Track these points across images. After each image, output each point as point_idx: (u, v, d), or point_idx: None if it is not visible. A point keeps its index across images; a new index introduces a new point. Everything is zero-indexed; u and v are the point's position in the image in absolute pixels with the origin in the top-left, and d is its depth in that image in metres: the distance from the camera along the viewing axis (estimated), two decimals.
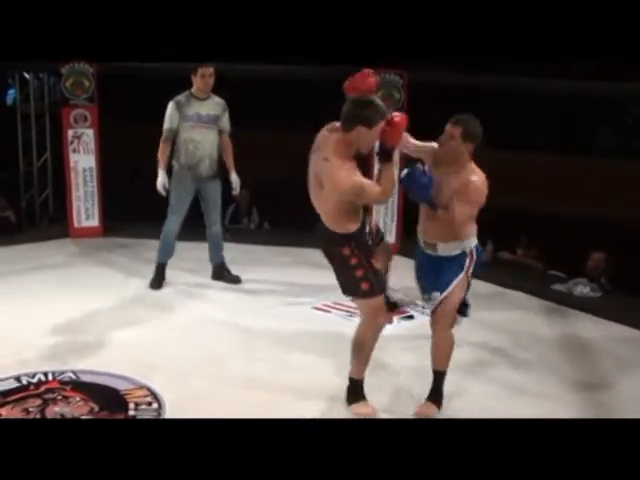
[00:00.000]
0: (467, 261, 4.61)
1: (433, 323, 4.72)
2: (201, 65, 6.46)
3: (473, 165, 4.53)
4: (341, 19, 4.13)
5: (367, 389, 4.75)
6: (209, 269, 7.09)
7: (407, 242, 7.63)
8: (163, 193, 6.54)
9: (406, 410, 4.74)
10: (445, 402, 4.80)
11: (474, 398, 4.96)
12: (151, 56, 4.44)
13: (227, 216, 9.94)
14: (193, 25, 4.18)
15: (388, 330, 5.90)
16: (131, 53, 4.37)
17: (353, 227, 4.39)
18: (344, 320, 6.17)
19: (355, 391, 4.71)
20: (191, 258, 7.31)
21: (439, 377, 4.76)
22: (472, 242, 4.64)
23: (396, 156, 4.31)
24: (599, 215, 9.06)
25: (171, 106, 6.52)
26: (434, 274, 4.67)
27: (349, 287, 4.54)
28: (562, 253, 8.02)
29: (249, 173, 10.39)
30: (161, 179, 6.50)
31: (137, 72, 8.29)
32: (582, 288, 7.06)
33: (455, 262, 4.61)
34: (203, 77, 6.49)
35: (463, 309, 4.84)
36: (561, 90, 7.81)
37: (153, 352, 5.44)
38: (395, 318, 6.25)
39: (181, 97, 6.54)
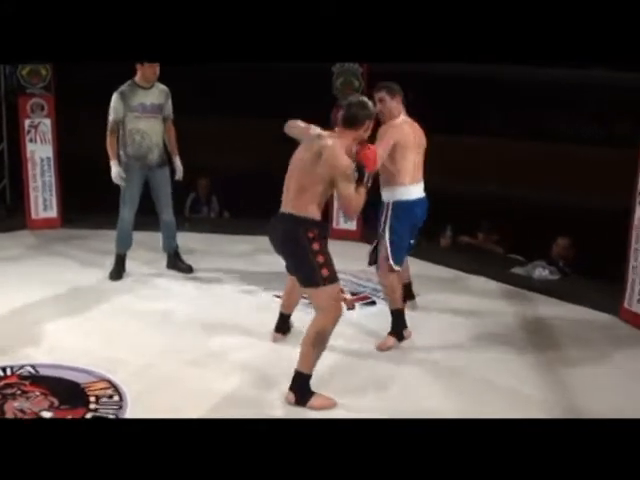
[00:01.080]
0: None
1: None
2: None
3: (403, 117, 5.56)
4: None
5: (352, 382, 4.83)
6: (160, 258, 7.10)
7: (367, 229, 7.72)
8: (121, 183, 6.51)
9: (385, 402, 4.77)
10: (410, 388, 4.85)
11: (437, 382, 5.00)
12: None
13: (187, 205, 9.91)
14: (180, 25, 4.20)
15: (349, 317, 6.00)
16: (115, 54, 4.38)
17: (319, 215, 4.66)
18: (307, 307, 6.17)
19: (305, 388, 4.64)
20: (152, 248, 7.26)
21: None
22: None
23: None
24: (558, 200, 9.15)
25: (115, 97, 6.47)
26: None
27: (310, 275, 4.61)
28: (523, 237, 8.10)
29: (208, 162, 10.43)
30: (115, 170, 6.47)
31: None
32: (541, 271, 7.13)
33: None
34: (151, 66, 6.46)
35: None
36: (522, 76, 7.85)
37: (114, 344, 5.41)
38: (357, 304, 6.28)
39: (125, 87, 6.49)
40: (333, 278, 4.61)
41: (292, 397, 4.64)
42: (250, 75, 8.99)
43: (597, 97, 9.01)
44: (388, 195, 5.53)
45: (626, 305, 6.18)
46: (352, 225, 7.84)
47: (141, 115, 6.52)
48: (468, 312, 6.27)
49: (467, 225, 8.41)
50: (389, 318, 5.63)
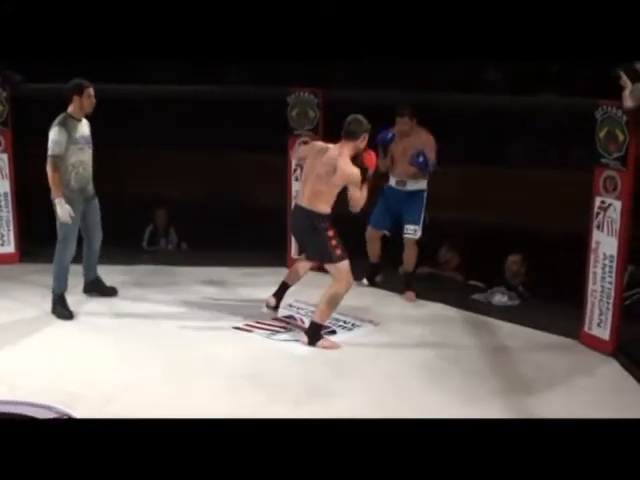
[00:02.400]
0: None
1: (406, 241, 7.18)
2: (87, 85, 6.43)
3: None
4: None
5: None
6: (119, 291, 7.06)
7: None
8: (70, 221, 6.40)
9: None
10: (369, 414, 4.82)
11: (399, 411, 4.97)
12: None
13: (144, 237, 9.83)
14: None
15: (309, 347, 5.98)
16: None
17: (330, 210, 6.05)
18: (266, 339, 6.15)
19: (317, 333, 6.05)
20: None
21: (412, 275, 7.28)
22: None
23: None
24: (516, 224, 9.19)
25: (58, 130, 6.35)
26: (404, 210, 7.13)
27: (326, 254, 6.02)
28: (482, 263, 8.11)
29: (166, 192, 10.37)
30: (66, 208, 6.35)
31: (53, 95, 8.11)
32: (500, 297, 7.15)
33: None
34: (90, 97, 6.44)
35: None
36: (474, 103, 7.94)
37: (74, 378, 5.33)
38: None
39: (63, 120, 6.40)
40: (344, 256, 6.00)
41: (305, 338, 6.03)
42: (204, 105, 8.96)
43: (554, 123, 9.11)
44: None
45: (586, 329, 6.21)
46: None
47: (83, 146, 6.50)
48: (428, 339, 6.27)
49: (427, 253, 8.42)
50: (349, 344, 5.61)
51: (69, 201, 6.41)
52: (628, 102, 5.66)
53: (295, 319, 6.52)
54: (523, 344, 6.23)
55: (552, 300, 7.20)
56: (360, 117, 6.07)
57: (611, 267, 6.00)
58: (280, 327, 6.37)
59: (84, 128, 6.54)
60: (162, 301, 6.95)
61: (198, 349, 5.93)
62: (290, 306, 6.77)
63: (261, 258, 8.07)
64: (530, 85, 11.82)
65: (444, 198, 9.46)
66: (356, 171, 5.93)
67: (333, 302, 6.05)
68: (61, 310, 6.55)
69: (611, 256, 5.98)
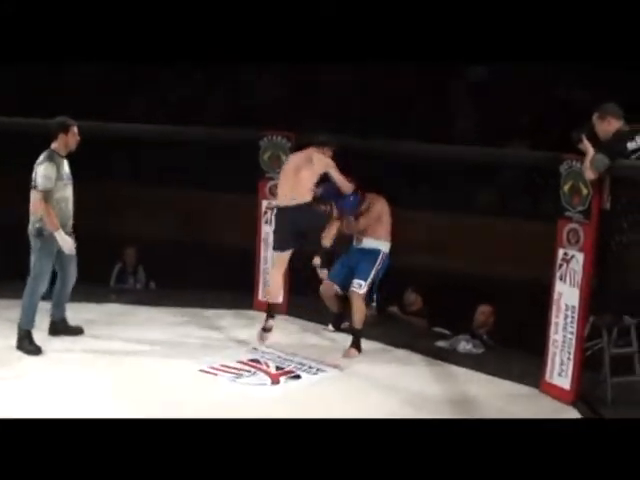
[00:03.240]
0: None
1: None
2: (71, 123, 6.51)
3: None
4: None
5: None
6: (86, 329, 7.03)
7: (295, 299, 7.74)
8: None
9: None
10: None
11: None
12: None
13: (113, 275, 9.83)
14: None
15: (274, 391, 6.00)
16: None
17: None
18: (230, 382, 6.16)
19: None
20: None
21: (357, 333, 6.98)
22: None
23: None
24: (481, 272, 9.29)
25: (49, 166, 6.42)
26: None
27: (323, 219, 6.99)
28: (448, 310, 8.19)
29: (135, 231, 10.39)
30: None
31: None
32: (465, 345, 7.21)
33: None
34: (74, 135, 6.52)
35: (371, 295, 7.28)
36: (444, 153, 8.06)
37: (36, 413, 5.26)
38: (282, 378, 6.28)
39: (50, 156, 6.46)
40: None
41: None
42: (176, 145, 9.02)
43: (522, 174, 9.28)
44: None
45: (547, 378, 6.27)
46: (278, 298, 7.82)
47: (67, 182, 6.57)
48: (391, 386, 6.29)
49: (394, 296, 8.49)
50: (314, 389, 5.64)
51: (50, 236, 6.41)
52: (589, 173, 5.80)
53: (260, 363, 6.53)
54: (486, 392, 6.27)
55: (516, 349, 7.27)
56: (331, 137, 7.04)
57: (573, 317, 6.08)
58: (245, 371, 6.38)
59: (66, 165, 6.60)
60: (128, 340, 6.94)
61: (161, 392, 5.91)
62: (255, 349, 6.79)
63: (228, 300, 8.09)
64: (500, 136, 12.01)
65: (412, 243, 9.60)
66: (328, 160, 6.87)
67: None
68: (28, 346, 6.51)
69: (573, 307, 6.07)
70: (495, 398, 6.17)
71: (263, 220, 7.81)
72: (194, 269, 8.88)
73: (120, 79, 16.39)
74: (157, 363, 6.48)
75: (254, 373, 6.35)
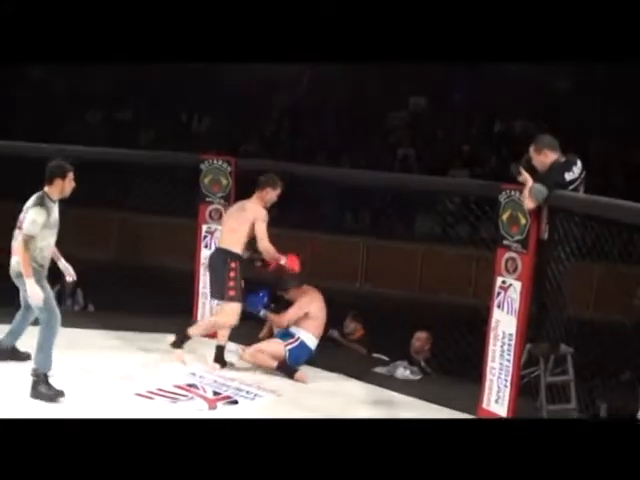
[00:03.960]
0: None
1: None
2: (69, 169, 6.17)
3: None
4: None
5: None
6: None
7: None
8: (41, 304, 6.10)
9: None
10: None
11: None
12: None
13: None
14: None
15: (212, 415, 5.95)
16: None
17: (241, 251, 6.95)
18: (166, 407, 6.09)
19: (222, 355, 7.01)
20: None
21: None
22: None
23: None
24: (419, 298, 9.36)
25: (41, 212, 6.02)
26: None
27: (223, 291, 6.87)
28: (386, 336, 8.22)
29: (73, 254, 10.27)
30: (38, 291, 6.04)
31: None
32: (403, 371, 7.23)
33: None
34: (71, 181, 6.18)
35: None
36: (385, 181, 8.14)
37: None
38: (219, 404, 6.23)
39: (42, 201, 6.07)
40: (236, 298, 6.86)
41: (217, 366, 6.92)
42: (116, 167, 8.95)
43: (461, 202, 9.40)
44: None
45: (484, 405, 6.32)
46: None
47: (53, 231, 6.22)
48: (327, 412, 6.22)
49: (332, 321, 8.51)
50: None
51: (35, 273, 6.09)
52: (528, 203, 5.90)
53: (197, 388, 6.48)
54: (421, 418, 6.29)
55: (454, 376, 7.32)
56: (273, 175, 7.13)
57: (510, 345, 6.14)
58: (182, 395, 6.32)
59: (56, 210, 6.23)
60: (65, 363, 6.81)
61: (97, 414, 5.82)
62: (193, 375, 6.74)
63: (167, 323, 8.01)
64: (442, 163, 12.18)
65: (352, 269, 9.65)
66: (263, 212, 6.95)
67: (210, 328, 7.12)
68: (47, 391, 6.08)
69: (510, 334, 6.13)
70: (431, 424, 6.18)
71: (203, 244, 7.78)
72: (133, 292, 8.80)
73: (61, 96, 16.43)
74: (93, 386, 6.39)
75: (191, 398, 6.30)
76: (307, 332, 7.09)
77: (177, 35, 4.78)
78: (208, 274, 7.23)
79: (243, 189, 7.59)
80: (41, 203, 6.09)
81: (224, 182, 7.73)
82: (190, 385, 6.53)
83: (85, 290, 9.85)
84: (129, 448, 3.19)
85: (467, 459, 3.39)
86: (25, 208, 6.18)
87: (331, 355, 7.66)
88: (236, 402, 6.30)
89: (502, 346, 6.19)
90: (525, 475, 3.34)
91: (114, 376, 6.64)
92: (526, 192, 5.90)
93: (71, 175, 6.22)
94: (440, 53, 4.82)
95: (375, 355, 8.04)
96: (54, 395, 6.07)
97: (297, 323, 7.11)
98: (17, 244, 6.16)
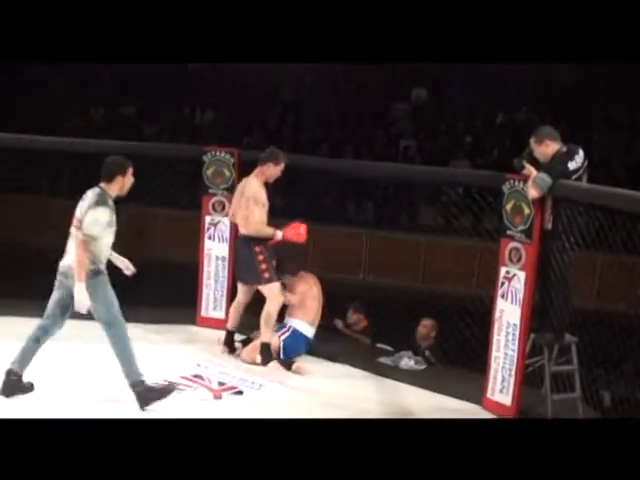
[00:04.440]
0: None
1: None
2: (130, 165, 5.88)
3: None
4: None
5: None
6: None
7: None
8: (85, 312, 5.75)
9: None
10: None
11: None
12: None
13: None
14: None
15: (217, 405, 5.97)
16: None
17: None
18: (173, 396, 6.09)
19: (267, 353, 6.81)
20: None
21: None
22: None
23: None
24: (424, 289, 9.37)
25: (105, 211, 5.70)
26: None
27: (256, 276, 6.86)
28: (391, 326, 8.24)
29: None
30: (87, 298, 5.68)
31: None
32: (407, 361, 7.24)
33: None
34: (130, 178, 5.90)
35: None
36: (388, 171, 8.13)
37: None
38: (224, 394, 6.25)
39: (106, 200, 5.74)
40: (273, 278, 6.85)
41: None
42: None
43: (466, 192, 9.41)
44: None
45: (489, 394, 6.33)
46: (221, 313, 7.81)
47: (114, 229, 5.88)
48: (332, 402, 6.29)
49: (335, 312, 8.52)
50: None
51: (103, 280, 5.84)
52: (532, 192, 5.90)
53: (203, 378, 6.49)
54: (427, 407, 6.31)
55: (458, 366, 7.33)
56: (276, 149, 7.07)
57: (514, 335, 6.15)
58: (187, 386, 6.34)
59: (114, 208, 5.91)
60: (70, 355, 6.84)
61: (104, 407, 5.83)
62: (198, 365, 6.76)
63: (170, 315, 8.04)
64: (444, 154, 12.18)
65: (357, 260, 9.65)
66: (256, 190, 6.85)
67: (269, 320, 6.82)
68: (150, 394, 5.84)
69: (514, 324, 6.14)
70: (436, 414, 6.20)
71: (206, 236, 7.79)
72: (137, 285, 8.81)
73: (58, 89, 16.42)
74: (99, 378, 6.39)
75: (196, 388, 6.31)
76: (299, 320, 7.14)
77: (177, 35, 4.79)
78: (235, 259, 7.34)
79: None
80: (104, 202, 5.73)
81: (227, 174, 7.73)
82: (195, 376, 6.54)
83: None
84: (129, 448, 3.17)
85: (480, 459, 3.36)
86: (82, 205, 5.80)
87: (335, 346, 7.68)
88: (241, 392, 6.31)
89: (506, 336, 6.21)
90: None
91: (117, 368, 6.63)
92: (530, 182, 5.91)
93: (131, 170, 5.89)
94: (441, 53, 4.82)
95: (379, 345, 8.06)
96: (164, 392, 5.88)
97: (288, 312, 7.17)
98: (75, 244, 5.76)
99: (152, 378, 6.32)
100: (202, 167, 7.78)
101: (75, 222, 5.81)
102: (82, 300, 5.67)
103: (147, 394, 5.81)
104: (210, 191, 7.78)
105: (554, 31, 4.59)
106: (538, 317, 6.22)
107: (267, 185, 7.03)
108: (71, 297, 5.74)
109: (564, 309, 6.15)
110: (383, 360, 7.37)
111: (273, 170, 6.98)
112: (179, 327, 7.79)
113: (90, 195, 5.79)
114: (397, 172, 8.25)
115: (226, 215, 7.66)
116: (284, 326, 7.11)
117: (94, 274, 5.76)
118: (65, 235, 5.89)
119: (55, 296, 5.93)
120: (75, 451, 3.17)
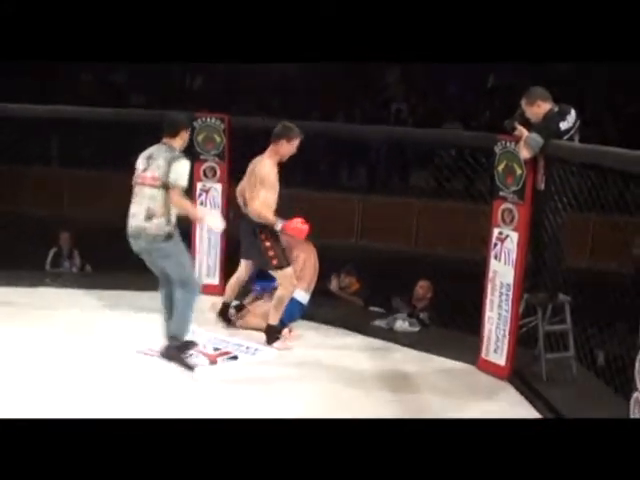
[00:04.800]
0: None
1: None
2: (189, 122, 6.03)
3: None
4: None
5: None
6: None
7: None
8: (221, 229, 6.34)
9: None
10: None
11: None
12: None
13: (48, 260, 9.73)
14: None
15: (213, 372, 6.00)
16: None
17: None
18: (169, 363, 6.13)
19: (273, 334, 6.60)
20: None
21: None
22: None
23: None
24: (418, 252, 9.39)
25: (186, 163, 5.78)
26: None
27: (253, 255, 6.62)
28: (383, 288, 8.28)
29: (70, 215, 10.28)
30: (216, 217, 6.26)
31: None
32: (401, 323, 7.28)
33: None
34: (188, 134, 6.07)
35: None
36: (379, 135, 8.10)
37: None
38: (220, 359, 6.28)
39: (180, 153, 5.86)
40: (283, 263, 6.55)
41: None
42: (111, 127, 8.91)
43: (458, 154, 9.41)
44: None
45: (483, 355, 6.37)
46: (215, 280, 7.82)
47: None
48: (327, 365, 6.34)
49: (328, 277, 8.54)
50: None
51: (178, 241, 5.91)
52: (524, 152, 5.90)
53: (198, 345, 6.51)
54: (422, 370, 6.36)
55: (452, 327, 7.37)
56: (289, 124, 6.55)
57: (507, 295, 6.18)
58: None
59: None
60: (65, 323, 6.87)
61: (101, 374, 5.87)
62: (192, 332, 6.76)
63: None
64: (436, 117, 12.16)
65: (348, 224, 9.66)
66: (267, 172, 6.39)
67: (279, 305, 6.60)
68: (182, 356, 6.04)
69: (508, 285, 6.16)
70: (431, 375, 6.26)
71: (198, 202, 7.78)
72: (130, 251, 8.81)
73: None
74: (95, 345, 6.42)
75: (192, 355, 6.32)
76: (297, 288, 7.01)
77: (176, 34, 4.76)
78: (240, 237, 6.84)
79: (238, 147, 7.56)
80: (179, 155, 5.83)
81: (218, 139, 7.71)
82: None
83: (82, 251, 9.89)
84: (129, 447, 3.17)
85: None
86: (156, 163, 5.80)
87: (329, 308, 7.71)
88: (236, 357, 6.34)
89: (500, 296, 6.23)
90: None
91: (115, 335, 6.67)
92: (522, 143, 5.90)
93: (189, 129, 6.13)
94: (441, 53, 4.80)
95: (372, 308, 8.10)
96: (188, 366, 5.99)
97: None
98: (163, 202, 5.78)
99: (148, 345, 6.38)
100: (193, 133, 7.74)
101: (149, 181, 5.82)
102: (214, 222, 6.19)
103: (176, 353, 5.97)
104: (201, 157, 7.76)
105: (553, 31, 4.56)
106: (531, 277, 6.25)
107: (281, 165, 6.59)
108: (151, 253, 5.92)
109: (557, 269, 6.17)
110: (377, 323, 7.41)
111: (287, 147, 6.52)
112: None
113: (160, 151, 5.86)
114: (389, 134, 8.23)
115: (218, 181, 7.66)
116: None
117: (169, 235, 5.82)
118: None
119: (148, 264, 6.07)
120: (73, 451, 3.16)
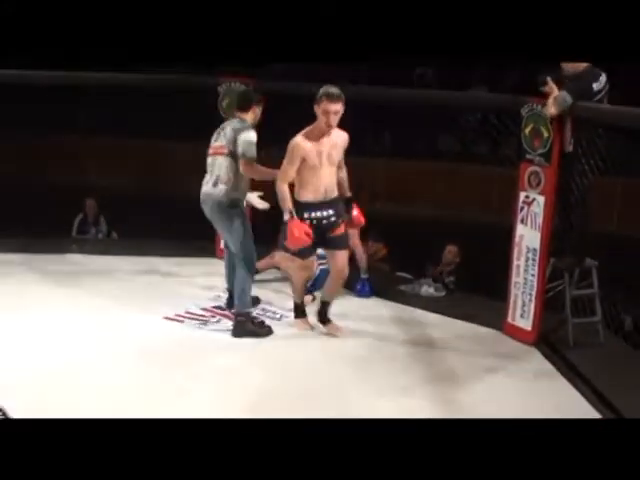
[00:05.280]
0: None
1: None
2: (262, 98, 6.21)
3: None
4: None
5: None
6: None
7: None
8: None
9: None
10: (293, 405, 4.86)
11: (322, 403, 5.01)
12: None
13: (74, 226, 9.78)
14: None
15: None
16: None
17: (304, 197, 5.90)
18: (196, 329, 6.16)
19: (296, 310, 6.31)
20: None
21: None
22: None
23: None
24: (443, 217, 9.35)
25: (254, 135, 5.94)
26: None
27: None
28: (409, 254, 8.25)
29: (96, 182, 10.31)
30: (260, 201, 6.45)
31: None
32: (427, 288, 7.28)
33: None
34: (260, 109, 6.21)
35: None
36: (403, 98, 8.01)
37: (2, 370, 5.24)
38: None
39: (249, 125, 6.04)
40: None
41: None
42: (135, 93, 8.87)
43: (483, 118, 9.31)
44: None
45: (509, 320, 6.35)
46: None
47: None
48: (353, 330, 6.33)
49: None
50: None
51: (242, 211, 6.13)
52: (552, 109, 5.81)
53: (224, 309, 6.54)
54: (448, 335, 6.35)
55: (478, 292, 7.35)
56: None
57: (534, 260, 6.14)
58: (210, 317, 6.39)
59: None
60: (91, 290, 6.91)
61: (130, 339, 5.90)
62: (219, 297, 6.79)
63: (191, 248, 8.09)
64: (460, 81, 12.01)
65: (374, 190, 9.61)
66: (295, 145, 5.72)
67: (295, 289, 6.31)
68: (254, 327, 6.13)
69: (534, 249, 6.12)
70: (457, 340, 6.24)
71: None
72: (157, 219, 8.85)
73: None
74: (122, 311, 6.45)
75: (219, 320, 6.36)
76: None
77: (175, 35, 4.73)
78: None
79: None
80: (247, 126, 6.01)
81: None
82: (216, 307, 6.59)
83: (108, 218, 9.93)
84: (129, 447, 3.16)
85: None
86: (225, 134, 6.05)
87: (352, 274, 7.68)
88: (262, 323, 6.34)
89: (526, 261, 6.19)
90: None
91: (142, 301, 6.70)
92: (550, 100, 5.81)
93: (260, 103, 6.25)
94: (440, 52, 4.77)
95: (399, 274, 8.08)
96: (261, 332, 6.10)
97: None
98: (234, 172, 5.97)
99: (176, 310, 6.41)
100: (217, 98, 7.71)
101: (218, 150, 6.08)
102: (257, 201, 6.41)
103: (246, 326, 6.04)
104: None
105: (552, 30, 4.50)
106: (558, 241, 6.20)
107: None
108: (215, 220, 6.17)
109: (584, 233, 6.12)
110: (403, 288, 7.40)
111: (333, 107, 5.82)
112: (200, 260, 7.84)
113: (231, 123, 6.11)
114: (414, 97, 8.14)
115: None
116: (324, 257, 6.67)
117: (232, 203, 6.03)
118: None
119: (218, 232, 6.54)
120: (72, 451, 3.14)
